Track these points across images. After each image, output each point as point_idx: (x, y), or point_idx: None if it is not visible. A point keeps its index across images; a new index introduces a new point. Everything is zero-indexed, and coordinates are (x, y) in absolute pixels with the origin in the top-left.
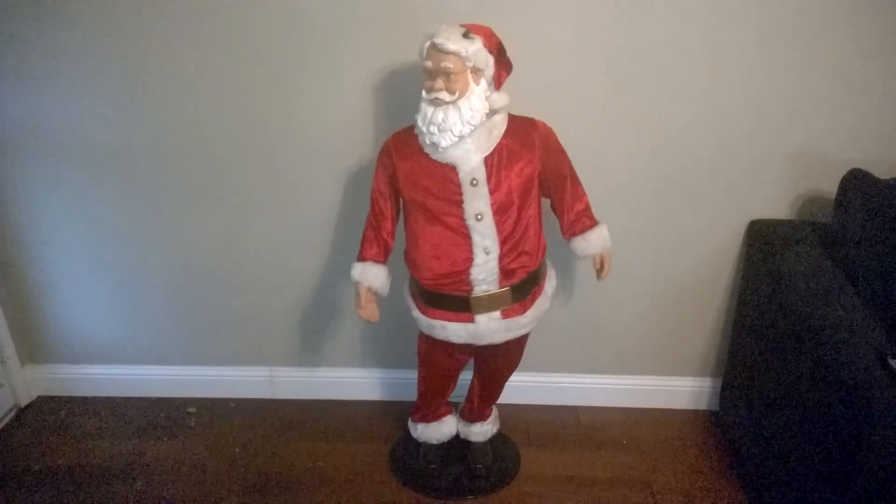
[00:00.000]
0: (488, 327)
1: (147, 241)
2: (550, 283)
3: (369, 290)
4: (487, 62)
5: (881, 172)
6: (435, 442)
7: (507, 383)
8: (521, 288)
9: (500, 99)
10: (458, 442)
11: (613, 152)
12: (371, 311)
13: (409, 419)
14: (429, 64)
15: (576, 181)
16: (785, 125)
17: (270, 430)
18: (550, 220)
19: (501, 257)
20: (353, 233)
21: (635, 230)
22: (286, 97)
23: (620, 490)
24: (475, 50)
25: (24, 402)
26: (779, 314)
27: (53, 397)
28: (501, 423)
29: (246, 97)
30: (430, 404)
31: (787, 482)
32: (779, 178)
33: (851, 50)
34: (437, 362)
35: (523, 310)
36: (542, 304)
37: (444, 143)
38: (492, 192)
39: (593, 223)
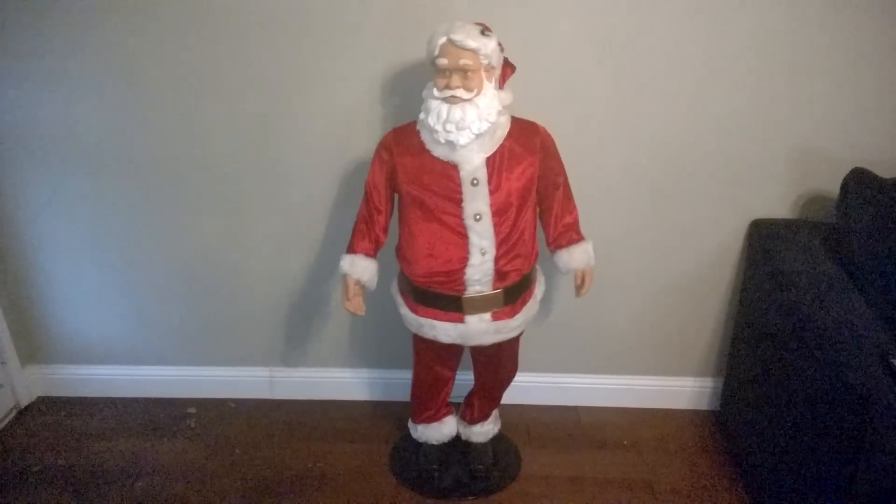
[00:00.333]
0: (478, 328)
1: (147, 241)
2: (540, 288)
3: (357, 282)
4: (500, 60)
5: (883, 171)
6: (435, 442)
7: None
8: (513, 290)
9: (507, 97)
10: (458, 442)
11: (614, 152)
12: (357, 305)
13: (409, 420)
14: (444, 62)
15: (568, 193)
16: (786, 124)
17: (270, 430)
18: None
19: (497, 259)
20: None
21: (636, 229)
22: (285, 97)
23: (621, 490)
24: (493, 48)
25: (24, 403)
26: (780, 314)
27: (53, 398)
28: (502, 424)
29: (245, 97)
30: (423, 406)
31: (789, 482)
32: (780, 178)
33: (854, 47)
34: (426, 363)
35: (513, 313)
36: (531, 307)
37: (462, 141)
38: (492, 192)
39: (580, 238)
